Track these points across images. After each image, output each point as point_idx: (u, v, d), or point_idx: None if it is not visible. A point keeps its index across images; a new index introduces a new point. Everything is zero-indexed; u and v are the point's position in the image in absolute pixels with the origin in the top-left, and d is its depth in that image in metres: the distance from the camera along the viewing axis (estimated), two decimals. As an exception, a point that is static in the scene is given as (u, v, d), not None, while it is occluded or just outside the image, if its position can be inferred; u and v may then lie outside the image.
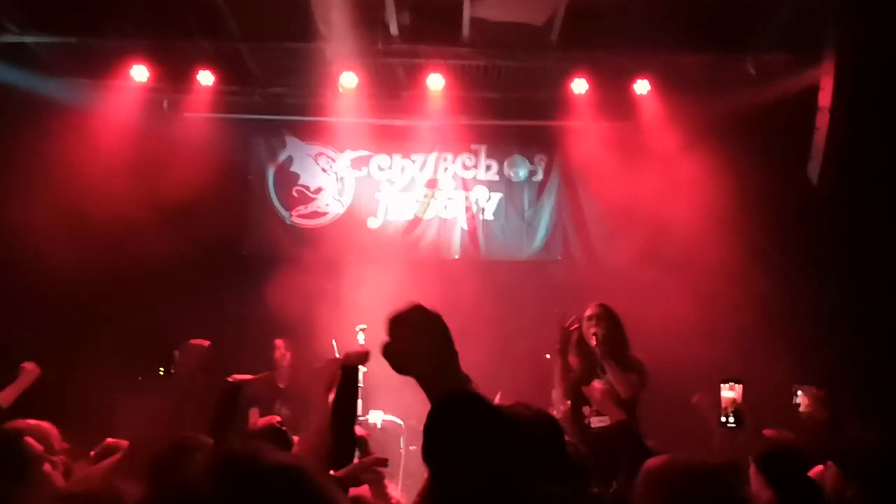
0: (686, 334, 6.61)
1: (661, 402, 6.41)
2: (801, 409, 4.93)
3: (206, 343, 2.89)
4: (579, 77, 7.29)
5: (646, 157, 7.48)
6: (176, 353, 2.83)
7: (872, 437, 2.48)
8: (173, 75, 7.33)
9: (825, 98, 6.33)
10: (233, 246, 8.00)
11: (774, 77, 6.85)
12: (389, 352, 1.73)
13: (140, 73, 7.17)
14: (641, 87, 7.32)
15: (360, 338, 5.92)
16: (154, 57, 7.14)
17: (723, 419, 3.81)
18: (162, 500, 1.03)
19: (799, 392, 4.98)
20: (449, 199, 8.39)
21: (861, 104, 6.09)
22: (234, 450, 1.11)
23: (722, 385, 3.86)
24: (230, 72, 7.38)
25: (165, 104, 7.82)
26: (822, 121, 6.32)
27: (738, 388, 3.82)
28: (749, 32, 6.73)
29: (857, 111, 6.12)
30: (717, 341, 6.61)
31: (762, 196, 6.86)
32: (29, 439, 2.68)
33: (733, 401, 3.81)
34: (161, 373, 3.25)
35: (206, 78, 7.31)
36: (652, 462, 2.20)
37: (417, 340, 1.75)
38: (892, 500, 2.29)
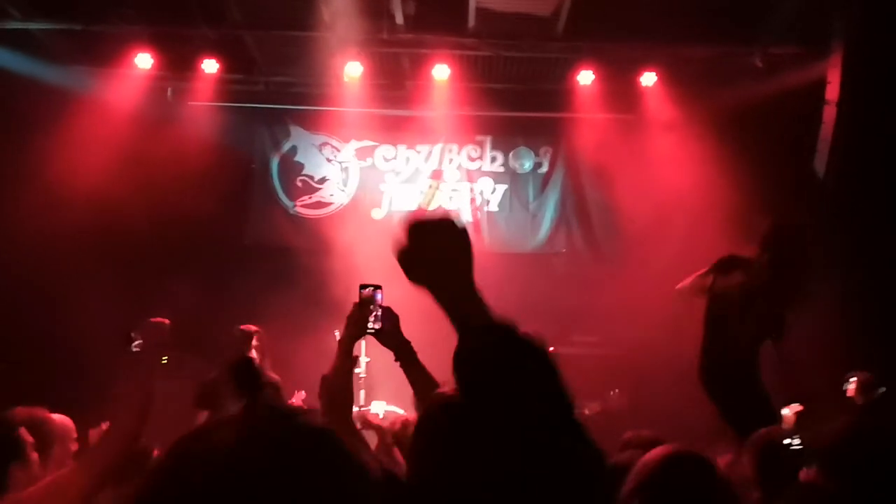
0: (690, 326, 6.60)
1: (664, 393, 6.42)
2: (847, 393, 5.15)
3: (166, 321, 2.86)
4: (585, 69, 7.25)
5: (651, 149, 7.45)
6: (133, 333, 2.79)
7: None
8: (177, 63, 7.31)
9: (832, 92, 6.29)
10: (235, 236, 8.00)
11: (781, 70, 6.81)
12: (408, 257, 1.59)
13: (144, 60, 7.15)
14: (648, 79, 7.28)
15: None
16: (158, 45, 7.12)
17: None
18: (185, 467, 0.99)
19: (853, 378, 5.20)
20: (454, 190, 8.38)
21: (868, 98, 6.05)
22: (264, 414, 1.07)
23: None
24: (234, 60, 7.36)
25: (169, 92, 7.81)
26: (829, 114, 6.29)
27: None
28: (756, 25, 6.68)
29: (864, 105, 6.08)
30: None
31: (768, 189, 6.83)
32: (23, 430, 2.66)
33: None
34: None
35: (210, 66, 7.29)
36: (651, 454, 2.18)
37: (443, 249, 1.61)
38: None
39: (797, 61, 6.75)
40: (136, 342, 2.72)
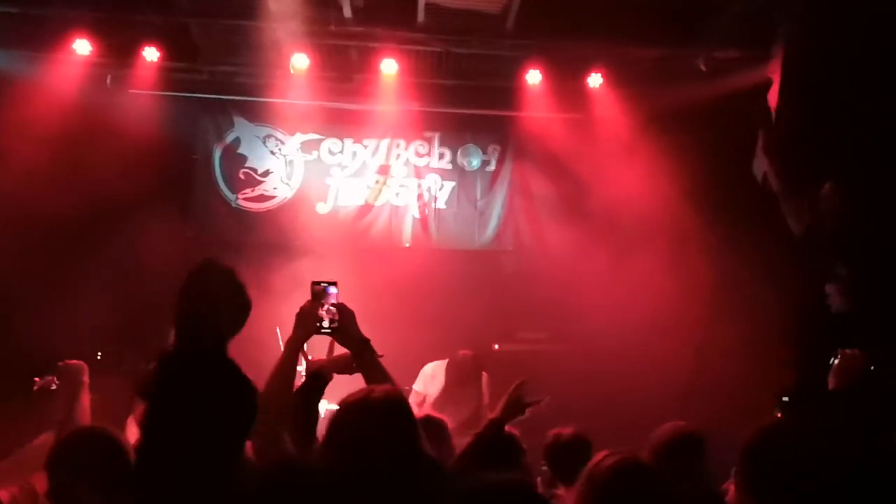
0: (634, 324, 6.71)
1: (611, 391, 6.51)
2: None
3: (82, 363, 2.83)
4: (534, 67, 7.28)
5: (598, 149, 7.53)
6: (50, 378, 2.79)
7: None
8: (118, 50, 7.08)
9: (772, 96, 6.44)
10: (177, 228, 7.80)
11: (724, 73, 6.95)
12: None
13: (83, 46, 6.91)
14: (594, 79, 7.36)
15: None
16: (98, 30, 6.89)
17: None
18: None
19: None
20: (401, 186, 8.33)
21: (807, 103, 6.20)
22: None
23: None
24: (177, 48, 7.16)
25: (109, 79, 7.55)
26: (769, 118, 6.44)
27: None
28: (701, 28, 6.80)
29: (803, 110, 6.24)
30: (664, 331, 6.73)
31: (710, 190, 6.97)
32: None
33: None
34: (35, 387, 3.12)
35: (151, 54, 7.08)
36: (596, 461, 2.17)
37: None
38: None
39: (740, 65, 6.89)
40: (54, 384, 2.72)
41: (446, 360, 6.42)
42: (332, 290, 2.70)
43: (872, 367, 3.60)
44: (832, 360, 3.68)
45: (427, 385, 6.41)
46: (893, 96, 5.29)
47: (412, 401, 6.26)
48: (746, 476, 2.14)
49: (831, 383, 3.64)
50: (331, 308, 2.66)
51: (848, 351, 3.65)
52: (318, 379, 2.75)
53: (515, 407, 3.03)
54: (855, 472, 2.11)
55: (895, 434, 3.21)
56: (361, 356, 2.64)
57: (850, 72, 5.58)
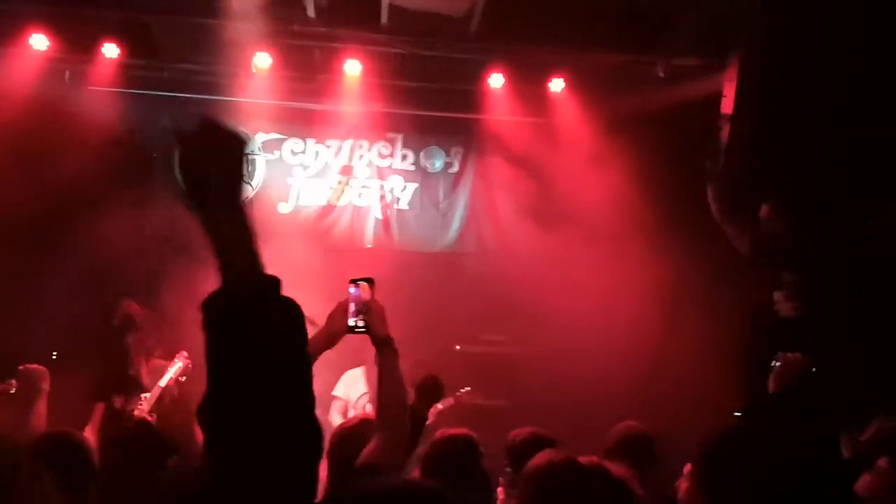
0: (594, 327, 6.80)
1: (571, 393, 6.59)
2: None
3: (42, 368, 2.80)
4: (496, 71, 7.34)
5: (560, 153, 7.61)
6: (10, 382, 2.76)
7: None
8: (76, 45, 6.98)
9: (727, 105, 6.57)
10: (136, 227, 7.69)
11: (682, 81, 7.07)
12: (192, 168, 1.54)
13: (40, 41, 6.80)
14: (556, 84, 7.45)
15: None
16: (56, 25, 6.78)
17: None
18: None
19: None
20: (364, 187, 8.31)
21: (761, 113, 6.34)
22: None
23: None
24: (137, 45, 7.08)
25: (67, 75, 7.44)
26: (724, 127, 6.57)
27: None
28: (661, 36, 6.92)
29: (757, 119, 6.38)
30: (624, 333, 6.83)
31: (667, 196, 7.09)
32: None
33: None
34: None
35: (111, 50, 6.99)
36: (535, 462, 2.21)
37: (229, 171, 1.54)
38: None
39: (697, 73, 7.02)
40: (12, 388, 2.68)
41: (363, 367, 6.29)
42: (352, 289, 2.65)
43: (814, 370, 3.69)
44: (773, 363, 3.77)
45: (349, 390, 6.37)
46: (840, 113, 5.44)
47: (336, 409, 6.26)
48: (701, 478, 2.21)
49: (772, 386, 3.73)
50: (358, 306, 2.61)
51: (789, 355, 3.74)
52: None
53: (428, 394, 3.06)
54: (801, 476, 2.18)
55: (837, 435, 3.31)
56: (380, 356, 2.62)
57: (800, 87, 5.72)
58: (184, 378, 5.56)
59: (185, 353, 5.62)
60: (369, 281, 2.70)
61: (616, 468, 2.14)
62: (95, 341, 6.02)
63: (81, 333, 6.55)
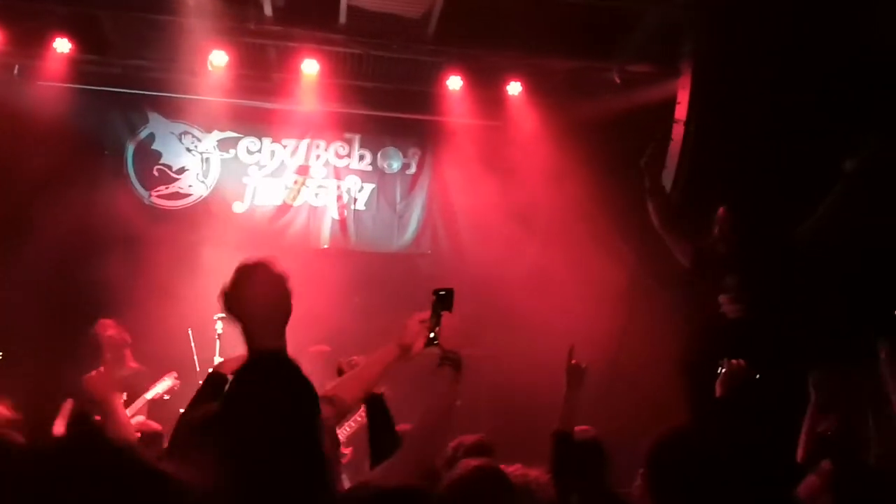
0: (548, 331, 6.84)
1: (522, 398, 6.63)
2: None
3: None
4: (454, 74, 7.37)
5: (515, 156, 7.67)
6: None
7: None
8: (26, 40, 6.82)
9: (681, 111, 6.69)
10: (85, 225, 7.55)
11: (637, 87, 7.18)
12: (226, 296, 2.00)
13: (-13, 34, 6.64)
14: (513, 88, 7.50)
15: (219, 326, 5.71)
16: (5, 18, 6.62)
17: None
18: None
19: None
20: (320, 186, 8.29)
21: (713, 118, 6.47)
22: None
23: None
24: (89, 40, 6.95)
25: (16, 70, 7.26)
26: (677, 132, 6.68)
27: None
28: (616, 42, 7.02)
29: (709, 125, 6.50)
30: (578, 338, 6.87)
31: (621, 200, 7.17)
32: None
33: None
34: None
35: (62, 45, 6.84)
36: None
37: (255, 291, 2.00)
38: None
39: (651, 79, 7.13)
40: None
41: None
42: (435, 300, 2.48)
43: (757, 377, 3.79)
44: (719, 369, 3.86)
45: None
46: (787, 119, 5.58)
47: None
48: (649, 479, 2.28)
49: (718, 391, 3.82)
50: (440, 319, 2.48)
51: (733, 361, 3.83)
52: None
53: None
54: (741, 478, 2.27)
55: (788, 437, 3.42)
56: (440, 374, 2.48)
57: (746, 93, 5.86)
58: (167, 397, 5.51)
59: (175, 374, 5.54)
60: (450, 292, 2.59)
61: (538, 473, 2.27)
62: (44, 340, 5.90)
63: (32, 331, 6.43)
